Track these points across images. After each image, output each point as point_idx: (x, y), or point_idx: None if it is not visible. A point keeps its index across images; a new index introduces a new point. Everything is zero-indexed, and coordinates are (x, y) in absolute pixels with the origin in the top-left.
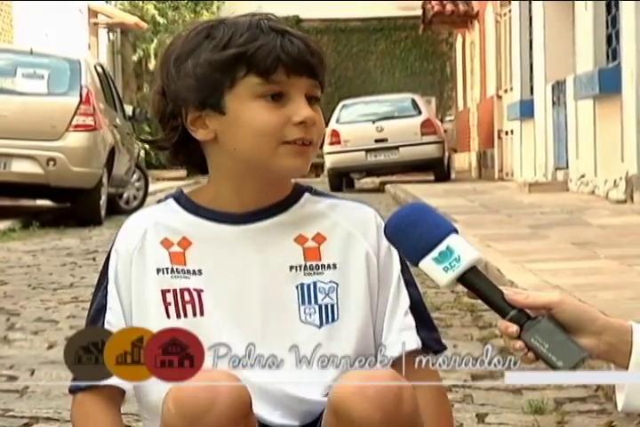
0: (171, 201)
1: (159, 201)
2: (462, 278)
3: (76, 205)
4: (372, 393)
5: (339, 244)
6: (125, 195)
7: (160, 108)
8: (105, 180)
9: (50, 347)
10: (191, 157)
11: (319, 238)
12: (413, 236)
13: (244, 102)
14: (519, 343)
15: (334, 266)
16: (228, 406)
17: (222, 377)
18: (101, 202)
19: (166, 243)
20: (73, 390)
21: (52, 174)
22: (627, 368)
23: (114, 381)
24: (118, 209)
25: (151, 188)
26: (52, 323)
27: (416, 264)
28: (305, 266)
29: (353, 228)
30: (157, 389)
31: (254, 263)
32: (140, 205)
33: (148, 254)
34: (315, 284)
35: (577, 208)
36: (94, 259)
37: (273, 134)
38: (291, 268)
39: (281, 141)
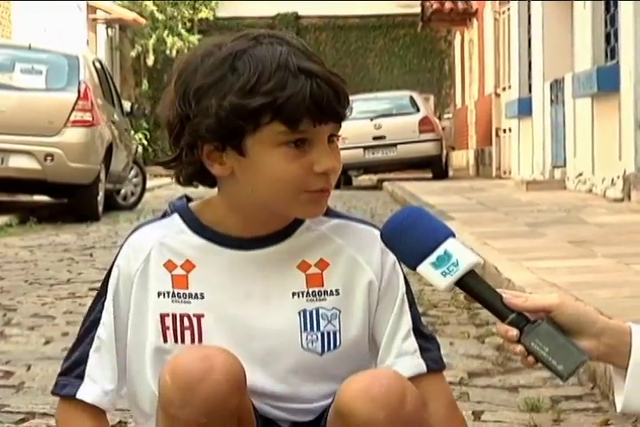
0: (176, 217)
1: (164, 214)
2: (460, 282)
3: (74, 201)
4: (376, 393)
5: (342, 269)
6: (123, 191)
7: (174, 130)
8: (102, 176)
9: (46, 343)
10: (204, 181)
11: (322, 264)
12: (410, 241)
13: (265, 148)
14: (519, 347)
15: (337, 292)
16: (222, 378)
17: (218, 352)
18: (99, 198)
19: (170, 265)
20: (53, 393)
21: (49, 170)
22: (626, 369)
23: (91, 398)
24: (116, 205)
25: (149, 184)
26: (48, 319)
27: (414, 269)
28: (307, 292)
29: (357, 253)
30: (150, 399)
31: (257, 289)
32: (138, 202)
33: (151, 276)
34: (317, 310)
35: (574, 206)
36: (91, 255)
37: (294, 184)
38: (293, 294)
39: (302, 191)
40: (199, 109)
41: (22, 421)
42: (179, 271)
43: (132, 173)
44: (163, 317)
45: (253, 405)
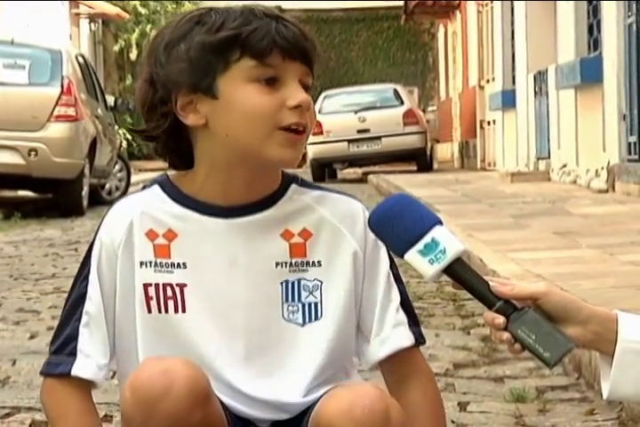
0: (156, 188)
1: (144, 187)
2: (448, 270)
3: (58, 196)
4: (359, 414)
5: (325, 240)
6: (107, 186)
7: (147, 96)
8: (87, 170)
9: (31, 337)
10: (179, 147)
11: (305, 234)
12: (398, 228)
13: (237, 86)
14: (506, 335)
15: (319, 263)
16: (184, 392)
17: (179, 365)
18: (83, 193)
19: (151, 234)
20: (44, 374)
21: (33, 165)
22: (612, 357)
23: (87, 373)
24: (100, 200)
25: (133, 178)
26: (33, 313)
27: (401, 256)
28: (290, 263)
29: (340, 223)
30: None
31: (240, 259)
32: (123, 196)
33: (135, 247)
34: (299, 281)
35: (559, 198)
36: (76, 250)
37: (267, 118)
38: (276, 264)
39: (276, 127)
40: (170, 60)
41: (8, 415)
42: (161, 241)
43: (117, 167)
44: (146, 286)
45: (228, 408)
